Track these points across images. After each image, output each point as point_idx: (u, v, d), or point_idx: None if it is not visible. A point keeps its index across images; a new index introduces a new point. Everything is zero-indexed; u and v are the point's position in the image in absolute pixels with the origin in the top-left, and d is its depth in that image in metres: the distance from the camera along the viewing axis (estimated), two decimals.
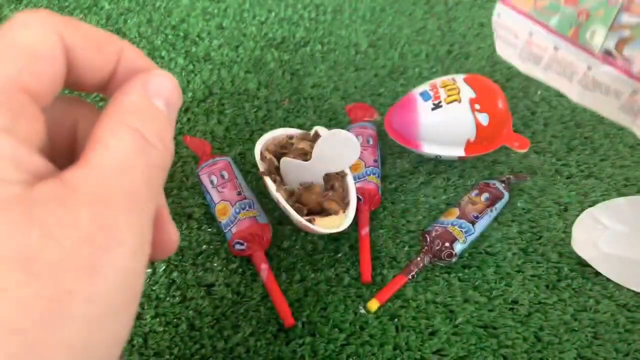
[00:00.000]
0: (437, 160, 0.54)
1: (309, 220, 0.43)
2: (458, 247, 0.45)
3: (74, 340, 0.14)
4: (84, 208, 0.14)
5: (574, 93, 0.48)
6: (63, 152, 0.19)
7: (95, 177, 0.15)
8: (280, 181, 0.46)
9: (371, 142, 0.52)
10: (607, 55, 0.44)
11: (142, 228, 0.16)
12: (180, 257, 0.45)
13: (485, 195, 0.49)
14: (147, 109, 0.17)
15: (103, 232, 0.14)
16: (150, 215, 0.16)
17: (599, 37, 0.44)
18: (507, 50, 0.52)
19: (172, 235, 0.20)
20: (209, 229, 0.47)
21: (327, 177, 0.46)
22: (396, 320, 0.43)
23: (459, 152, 0.51)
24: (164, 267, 0.45)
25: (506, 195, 0.50)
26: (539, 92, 0.62)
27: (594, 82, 0.45)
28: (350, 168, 0.49)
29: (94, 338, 0.14)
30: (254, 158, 0.49)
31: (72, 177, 0.15)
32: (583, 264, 0.46)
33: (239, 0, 0.71)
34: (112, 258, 0.14)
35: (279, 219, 0.48)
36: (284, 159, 0.46)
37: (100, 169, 0.15)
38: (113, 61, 0.18)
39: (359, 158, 0.47)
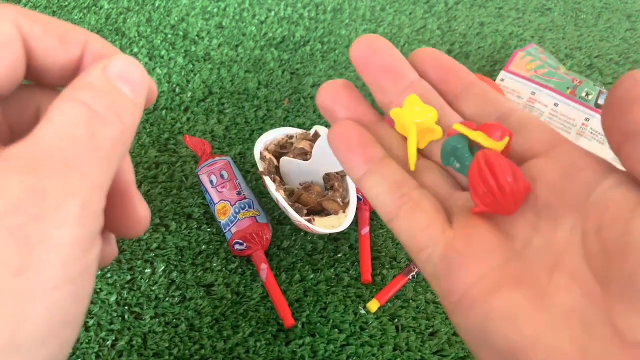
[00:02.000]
0: None
1: (309, 220, 0.43)
2: None
3: (2, 317, 0.13)
4: (15, 177, 0.13)
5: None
6: None
7: (33, 148, 0.14)
8: (280, 181, 0.46)
9: None
10: (601, 109, 0.50)
11: (85, 198, 0.14)
12: (180, 257, 0.45)
13: None
14: (101, 87, 0.16)
15: (35, 200, 0.13)
16: (100, 186, 0.15)
17: (592, 96, 0.55)
18: None
19: (142, 211, 0.19)
20: (209, 229, 0.47)
21: (327, 177, 0.46)
22: (396, 320, 0.43)
23: None
24: (163, 268, 0.44)
25: None
26: None
27: (592, 131, 0.54)
28: None
29: (30, 315, 0.13)
30: (254, 158, 0.49)
31: (10, 150, 0.14)
32: None
33: None
34: (46, 227, 0.13)
35: (278, 219, 0.48)
36: (283, 159, 0.46)
37: (39, 140, 0.14)
38: (77, 52, 0.17)
39: None
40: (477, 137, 0.19)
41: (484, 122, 0.21)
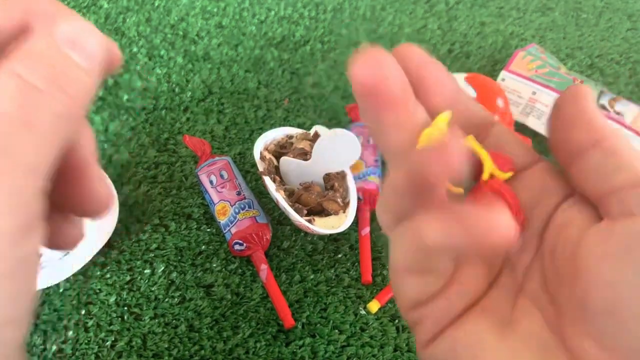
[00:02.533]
0: None
1: (309, 221, 0.43)
2: None
3: None
4: None
5: None
6: None
7: None
8: (280, 181, 0.45)
9: (371, 142, 0.52)
10: (602, 109, 0.54)
11: (14, 181, 0.13)
12: (180, 257, 0.45)
13: None
14: (44, 54, 0.14)
15: None
16: (35, 167, 0.14)
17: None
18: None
19: (101, 189, 0.18)
20: (208, 229, 0.47)
21: (327, 177, 0.46)
22: (397, 321, 0.42)
23: None
24: (162, 268, 0.44)
25: None
26: None
27: None
28: (351, 168, 0.48)
29: None
30: (254, 158, 0.49)
31: None
32: None
33: None
34: None
35: (278, 219, 0.48)
36: (283, 159, 0.45)
37: None
38: (17, 16, 0.15)
39: (360, 158, 0.47)
40: (485, 157, 0.18)
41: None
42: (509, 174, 0.19)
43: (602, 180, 0.15)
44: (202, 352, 0.40)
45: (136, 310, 0.42)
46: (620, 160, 0.15)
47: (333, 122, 0.57)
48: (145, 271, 0.44)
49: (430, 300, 0.18)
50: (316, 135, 0.47)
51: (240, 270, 0.45)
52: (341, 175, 0.46)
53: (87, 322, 0.41)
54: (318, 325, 0.42)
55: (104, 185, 0.18)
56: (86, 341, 0.40)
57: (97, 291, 0.43)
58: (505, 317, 0.17)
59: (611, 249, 0.14)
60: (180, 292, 0.43)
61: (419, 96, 0.19)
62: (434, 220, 0.15)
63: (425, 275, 0.17)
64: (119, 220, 0.45)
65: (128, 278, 0.44)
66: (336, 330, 0.42)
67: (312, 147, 0.44)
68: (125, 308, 0.42)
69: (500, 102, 0.50)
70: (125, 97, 0.57)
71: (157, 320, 0.41)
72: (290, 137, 0.49)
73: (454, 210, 0.15)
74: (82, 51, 0.15)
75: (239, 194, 0.46)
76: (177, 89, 0.59)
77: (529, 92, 0.57)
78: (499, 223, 0.14)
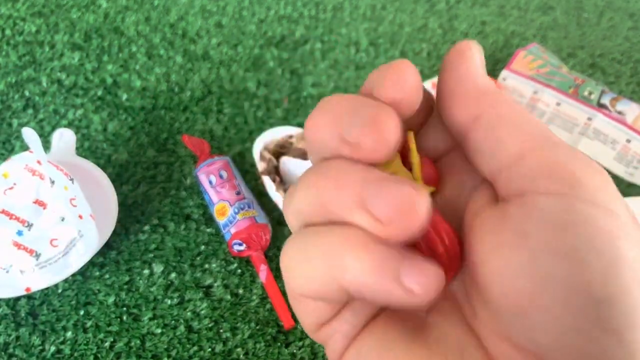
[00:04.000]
0: None
1: None
2: None
3: None
4: None
5: (575, 143, 0.55)
6: None
7: None
8: (279, 181, 0.45)
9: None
10: (603, 109, 0.53)
11: None
12: (179, 258, 0.45)
13: None
14: None
15: None
16: None
17: (594, 95, 0.54)
18: None
19: None
20: (208, 230, 0.47)
21: None
22: None
23: None
24: (162, 269, 0.44)
25: None
26: None
27: (594, 131, 0.54)
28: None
29: None
30: (253, 158, 0.49)
31: None
32: None
33: None
34: None
35: (278, 219, 0.48)
36: (283, 159, 0.45)
37: None
38: None
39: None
40: (415, 164, 0.16)
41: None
42: (431, 189, 0.17)
43: (487, 160, 0.13)
44: (201, 353, 0.40)
45: (135, 311, 0.42)
46: (500, 134, 0.13)
47: None
48: (144, 272, 0.44)
49: (333, 318, 0.16)
50: None
51: (239, 271, 0.44)
52: None
53: (85, 323, 0.41)
54: None
55: None
56: (85, 342, 0.40)
57: (96, 292, 0.42)
58: (421, 318, 0.15)
59: (504, 237, 0.12)
60: (179, 293, 0.43)
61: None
62: (356, 259, 0.12)
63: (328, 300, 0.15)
64: (118, 220, 0.45)
65: (127, 278, 0.43)
66: None
67: None
68: (124, 309, 0.42)
69: None
70: (125, 96, 0.56)
71: (156, 321, 0.41)
72: (290, 137, 0.48)
73: (383, 255, 0.12)
74: None
75: (238, 194, 0.46)
76: (176, 89, 0.58)
77: (530, 91, 0.57)
78: (427, 281, 0.12)
